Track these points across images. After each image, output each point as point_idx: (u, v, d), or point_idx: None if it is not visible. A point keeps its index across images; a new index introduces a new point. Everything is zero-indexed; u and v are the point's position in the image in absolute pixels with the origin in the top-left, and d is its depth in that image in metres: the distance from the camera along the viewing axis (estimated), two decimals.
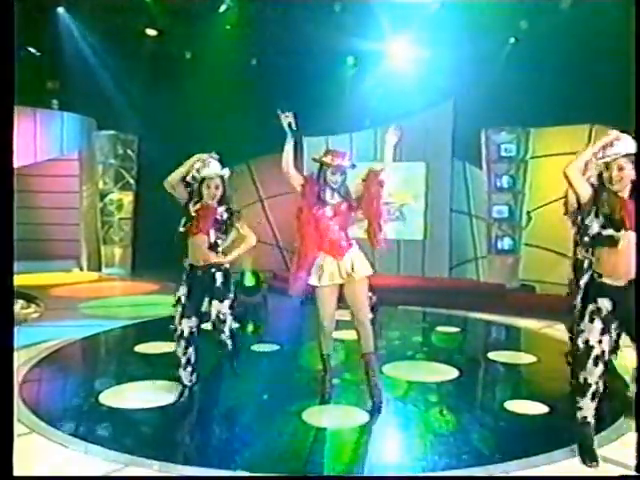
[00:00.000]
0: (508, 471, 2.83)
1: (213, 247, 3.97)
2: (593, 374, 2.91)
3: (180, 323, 3.96)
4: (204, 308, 4.03)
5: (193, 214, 3.95)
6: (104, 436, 3.22)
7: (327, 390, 3.89)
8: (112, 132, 11.30)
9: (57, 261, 11.43)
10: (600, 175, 2.97)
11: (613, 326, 2.91)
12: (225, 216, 3.98)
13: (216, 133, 10.34)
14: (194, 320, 3.97)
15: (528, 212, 10.33)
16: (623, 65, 7.64)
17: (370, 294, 7.55)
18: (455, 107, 10.46)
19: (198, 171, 3.98)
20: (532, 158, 10.14)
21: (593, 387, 2.92)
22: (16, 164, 10.53)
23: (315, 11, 9.82)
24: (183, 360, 3.99)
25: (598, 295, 2.92)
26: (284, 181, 3.77)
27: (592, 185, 2.99)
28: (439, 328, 6.28)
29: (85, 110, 11.10)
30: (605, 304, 2.90)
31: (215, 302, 4.00)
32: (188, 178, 4.04)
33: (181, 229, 4.02)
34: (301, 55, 10.21)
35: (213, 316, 4.02)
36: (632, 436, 3.28)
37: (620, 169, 2.91)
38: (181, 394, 3.93)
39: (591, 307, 2.93)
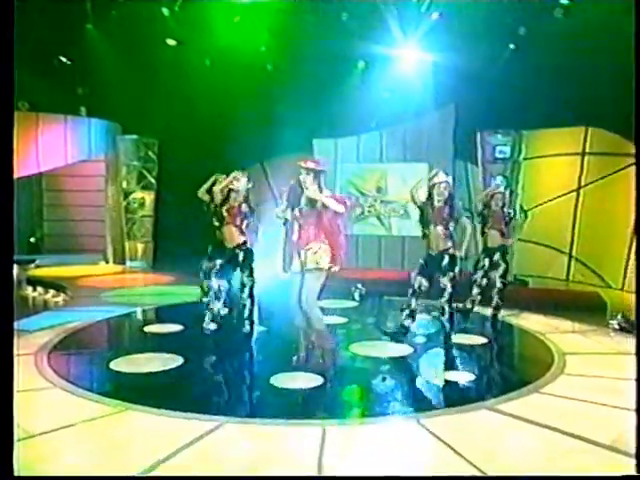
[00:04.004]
0: (418, 417, 3.59)
1: (241, 233, 5.60)
2: (411, 300, 5.33)
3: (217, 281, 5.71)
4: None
5: (225, 213, 5.59)
6: (110, 390, 4.09)
7: (299, 358, 4.68)
8: (135, 136, 12.06)
9: (85, 255, 12.29)
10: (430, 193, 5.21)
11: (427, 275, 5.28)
12: (246, 210, 5.66)
13: (232, 135, 11.08)
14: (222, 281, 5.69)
15: (524, 210, 10.84)
16: (616, 70, 8.19)
17: (359, 285, 8.30)
18: (456, 110, 10.98)
19: (232, 183, 5.62)
20: (525, 159, 10.66)
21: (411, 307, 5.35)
22: (49, 167, 11.51)
23: (325, 18, 10.41)
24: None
25: (423, 259, 5.33)
26: None
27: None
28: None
29: (110, 115, 11.73)
30: (421, 262, 5.33)
31: (238, 271, 5.63)
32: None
33: (216, 223, 5.68)
34: (313, 61, 10.75)
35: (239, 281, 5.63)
36: (537, 397, 4.02)
37: (444, 189, 5.14)
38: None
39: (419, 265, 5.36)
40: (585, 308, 7.22)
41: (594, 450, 3.21)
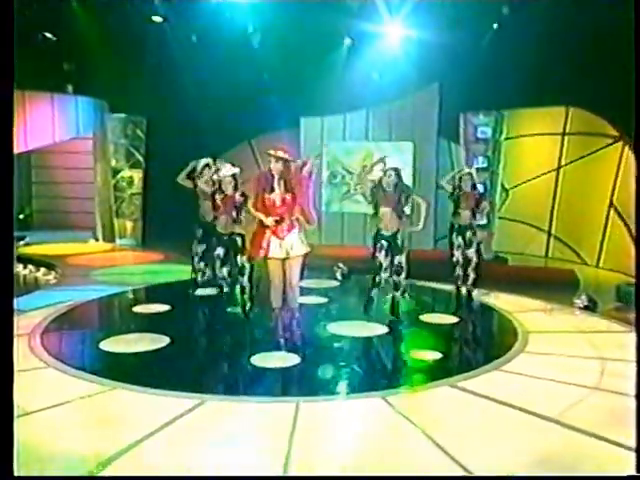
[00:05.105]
0: (385, 396, 3.89)
1: (235, 221, 5.82)
2: (380, 274, 5.75)
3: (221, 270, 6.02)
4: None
5: (219, 202, 5.83)
6: (99, 369, 4.38)
7: (279, 338, 4.96)
8: (122, 114, 12.07)
9: (75, 232, 12.38)
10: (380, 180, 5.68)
11: (389, 252, 5.73)
12: (240, 200, 5.74)
13: (219, 113, 11.17)
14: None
15: (505, 189, 11.12)
16: (599, 51, 8.35)
17: (341, 264, 8.58)
18: (441, 90, 11.12)
19: (217, 173, 5.90)
20: (506, 139, 10.88)
21: (379, 280, 5.80)
22: (37, 145, 11.53)
23: None
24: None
25: (379, 238, 5.74)
26: None
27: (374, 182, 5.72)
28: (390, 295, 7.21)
29: (97, 93, 11.71)
30: (383, 243, 5.75)
31: (238, 256, 5.91)
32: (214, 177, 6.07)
33: (213, 212, 6.00)
34: (299, 38, 10.77)
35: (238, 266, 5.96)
36: (497, 374, 4.33)
37: (389, 176, 5.61)
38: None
39: (378, 244, 5.75)
40: (560, 286, 7.52)
41: (546, 425, 3.51)
